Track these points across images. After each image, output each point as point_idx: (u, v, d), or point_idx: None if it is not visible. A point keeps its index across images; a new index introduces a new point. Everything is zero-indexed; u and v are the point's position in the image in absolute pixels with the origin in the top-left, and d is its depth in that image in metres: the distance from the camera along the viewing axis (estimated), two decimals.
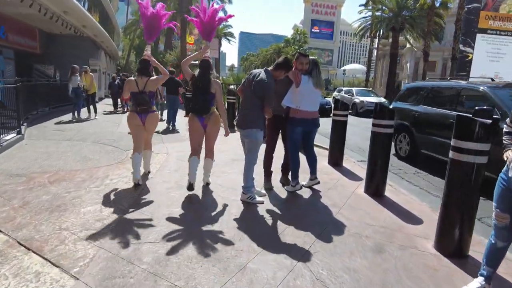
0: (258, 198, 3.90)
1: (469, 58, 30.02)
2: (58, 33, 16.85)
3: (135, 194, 3.97)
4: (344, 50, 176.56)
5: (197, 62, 5.31)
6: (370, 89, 25.54)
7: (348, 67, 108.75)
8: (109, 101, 17.98)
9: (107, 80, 22.32)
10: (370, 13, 30.59)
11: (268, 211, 3.70)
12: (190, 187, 4.03)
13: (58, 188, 4.00)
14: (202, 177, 4.44)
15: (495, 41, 36.19)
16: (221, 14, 4.49)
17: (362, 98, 18.40)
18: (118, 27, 37.06)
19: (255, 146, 3.89)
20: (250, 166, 3.89)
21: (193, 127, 4.15)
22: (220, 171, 5.20)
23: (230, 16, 4.95)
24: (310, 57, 4.28)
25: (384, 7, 27.77)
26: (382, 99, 18.83)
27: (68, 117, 10.24)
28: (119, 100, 14.57)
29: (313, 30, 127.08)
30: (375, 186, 4.50)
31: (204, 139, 4.29)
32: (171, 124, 9.73)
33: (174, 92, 10.16)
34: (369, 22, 30.87)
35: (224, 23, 42.67)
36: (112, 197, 3.84)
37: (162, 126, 9.38)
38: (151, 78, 4.39)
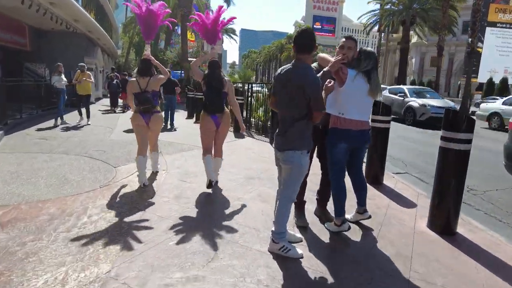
0: (295, 251, 2.72)
1: (479, 52, 28.79)
2: (49, 29, 15.71)
3: (119, 249, 2.80)
4: None
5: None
6: (427, 88, 19.27)
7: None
8: (107, 101, 16.93)
9: (105, 79, 21.21)
10: (378, 6, 29.28)
11: (307, 269, 2.54)
12: (210, 185, 4.14)
13: (9, 235, 2.83)
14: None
15: (505, 34, 34.84)
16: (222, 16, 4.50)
17: (422, 101, 13.14)
18: (117, 24, 35.94)
19: (296, 176, 2.68)
20: (286, 204, 2.71)
21: (206, 126, 4.17)
22: (232, 197, 4.03)
23: (232, 19, 4.82)
24: (367, 49, 3.13)
25: (394, 0, 26.48)
26: (450, 103, 13.98)
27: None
28: (119, 99, 14.41)
29: (314, 26, 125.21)
30: (443, 221, 3.35)
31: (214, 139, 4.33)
32: (169, 124, 9.87)
33: (171, 91, 10.14)
34: (378, 16, 29.59)
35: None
36: (87, 250, 2.68)
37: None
38: (152, 78, 4.35)
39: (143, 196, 3.95)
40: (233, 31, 43.77)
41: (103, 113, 13.10)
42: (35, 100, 11.35)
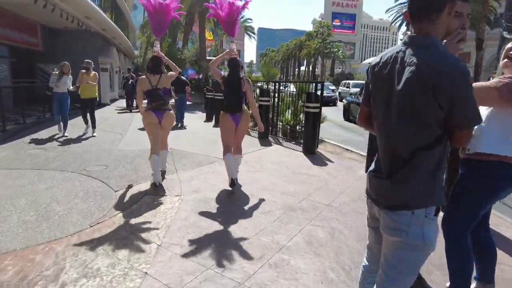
0: None
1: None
2: (63, 28, 14.97)
3: None
4: (365, 43, 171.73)
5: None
6: None
7: (372, 59, 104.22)
8: (122, 103, 16.18)
9: (121, 79, 20.51)
10: None
11: None
12: (232, 183, 4.10)
13: None
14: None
15: None
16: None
17: None
18: (133, 23, 35.43)
19: (414, 260, 1.40)
20: None
21: (225, 125, 4.18)
22: (271, 245, 2.83)
23: (247, 3, 4.43)
24: None
25: None
26: None
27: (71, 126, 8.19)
28: (134, 100, 13.54)
29: (334, 23, 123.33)
30: None
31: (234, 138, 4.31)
32: (179, 122, 9.86)
33: (181, 91, 10.24)
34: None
35: (244, 16, 40.56)
36: None
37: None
38: (163, 75, 4.33)
39: (146, 240, 2.83)
40: (252, 29, 42.60)
41: (118, 113, 13.06)
42: (44, 103, 10.56)
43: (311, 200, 3.90)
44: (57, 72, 7.71)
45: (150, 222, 3.19)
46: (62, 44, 15.49)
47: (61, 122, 7.76)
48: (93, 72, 7.75)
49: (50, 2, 10.03)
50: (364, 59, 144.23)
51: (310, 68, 63.96)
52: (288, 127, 8.18)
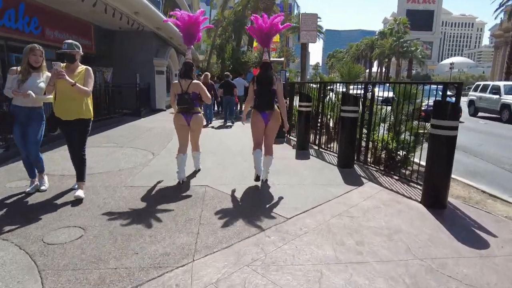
0: None
1: None
2: (117, 29, 13.94)
3: None
4: (443, 42, 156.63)
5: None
6: None
7: (454, 59, 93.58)
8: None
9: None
10: None
11: None
12: (257, 178, 4.32)
13: None
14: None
15: None
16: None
17: None
18: None
19: None
20: None
21: (256, 123, 4.32)
22: None
23: (287, 26, 4.79)
24: None
25: None
26: None
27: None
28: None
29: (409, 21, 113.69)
30: None
31: (264, 136, 4.40)
32: (226, 121, 11.08)
33: (229, 93, 11.32)
34: None
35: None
36: None
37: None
38: (194, 81, 4.48)
39: None
40: (321, 28, 39.66)
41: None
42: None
43: None
44: (18, 68, 3.78)
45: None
46: (116, 46, 14.50)
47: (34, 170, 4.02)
48: (83, 66, 3.79)
49: None
50: (442, 60, 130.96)
51: (383, 70, 58.60)
52: (383, 151, 5.46)
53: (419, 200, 3.91)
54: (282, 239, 2.85)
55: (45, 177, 4.14)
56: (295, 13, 39.48)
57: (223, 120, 11.59)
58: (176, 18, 4.54)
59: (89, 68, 3.81)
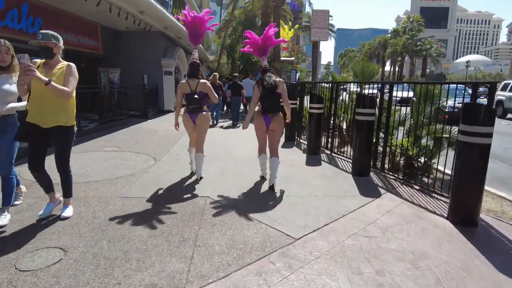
0: None
1: None
2: (124, 29, 13.73)
3: None
4: (458, 40, 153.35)
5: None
6: None
7: (470, 57, 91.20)
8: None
9: None
10: None
11: None
12: (263, 178, 4.58)
13: None
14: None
15: None
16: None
17: None
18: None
19: None
20: None
21: (257, 125, 4.35)
22: None
23: (284, 41, 5.97)
24: None
25: None
26: None
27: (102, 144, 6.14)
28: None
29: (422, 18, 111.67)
30: None
31: (267, 139, 4.41)
32: (234, 121, 11.17)
33: (237, 94, 11.51)
34: None
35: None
36: None
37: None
38: (201, 80, 4.54)
39: None
40: (332, 26, 38.96)
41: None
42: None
43: None
44: None
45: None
46: (123, 47, 14.29)
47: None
48: (65, 62, 3.14)
49: None
50: (458, 58, 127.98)
51: (396, 68, 57.43)
52: (401, 157, 5.00)
53: (445, 215, 3.45)
54: (289, 267, 2.45)
55: (22, 188, 3.70)
56: (306, 12, 38.86)
57: (231, 121, 11.41)
58: (185, 17, 4.63)
59: (72, 64, 3.12)
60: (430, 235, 3.04)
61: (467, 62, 63.09)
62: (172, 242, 2.82)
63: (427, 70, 59.84)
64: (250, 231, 3.03)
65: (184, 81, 4.60)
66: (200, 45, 22.10)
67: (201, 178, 4.70)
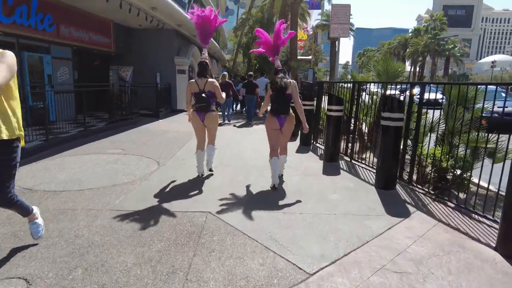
0: None
1: None
2: (137, 26, 13.45)
3: None
4: (482, 39, 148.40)
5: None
6: None
7: (495, 57, 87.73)
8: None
9: None
10: None
11: None
12: (274, 187, 4.21)
13: None
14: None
15: None
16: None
17: None
18: (223, 26, 34.31)
19: None
20: None
21: (270, 127, 4.33)
22: None
23: (292, 34, 5.19)
24: None
25: None
26: None
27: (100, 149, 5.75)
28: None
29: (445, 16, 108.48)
30: None
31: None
32: (248, 121, 10.77)
33: (252, 92, 11.26)
34: None
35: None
36: None
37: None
38: (209, 80, 4.56)
39: None
40: (352, 25, 37.97)
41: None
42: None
43: None
44: None
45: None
46: (136, 45, 14.01)
47: None
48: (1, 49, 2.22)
49: None
50: (481, 58, 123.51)
51: (417, 68, 55.69)
52: (431, 169, 4.37)
53: (493, 245, 2.84)
54: None
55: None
56: (324, 10, 37.95)
57: (245, 120, 11.20)
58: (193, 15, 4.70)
59: (7, 51, 2.19)
60: (477, 274, 2.45)
61: (492, 62, 60.45)
62: (159, 274, 2.33)
63: (449, 71, 57.79)
64: (255, 262, 2.51)
65: (193, 80, 4.64)
66: (216, 44, 21.75)
67: (210, 170, 4.91)
